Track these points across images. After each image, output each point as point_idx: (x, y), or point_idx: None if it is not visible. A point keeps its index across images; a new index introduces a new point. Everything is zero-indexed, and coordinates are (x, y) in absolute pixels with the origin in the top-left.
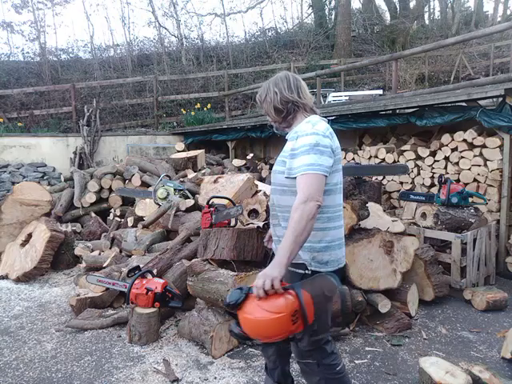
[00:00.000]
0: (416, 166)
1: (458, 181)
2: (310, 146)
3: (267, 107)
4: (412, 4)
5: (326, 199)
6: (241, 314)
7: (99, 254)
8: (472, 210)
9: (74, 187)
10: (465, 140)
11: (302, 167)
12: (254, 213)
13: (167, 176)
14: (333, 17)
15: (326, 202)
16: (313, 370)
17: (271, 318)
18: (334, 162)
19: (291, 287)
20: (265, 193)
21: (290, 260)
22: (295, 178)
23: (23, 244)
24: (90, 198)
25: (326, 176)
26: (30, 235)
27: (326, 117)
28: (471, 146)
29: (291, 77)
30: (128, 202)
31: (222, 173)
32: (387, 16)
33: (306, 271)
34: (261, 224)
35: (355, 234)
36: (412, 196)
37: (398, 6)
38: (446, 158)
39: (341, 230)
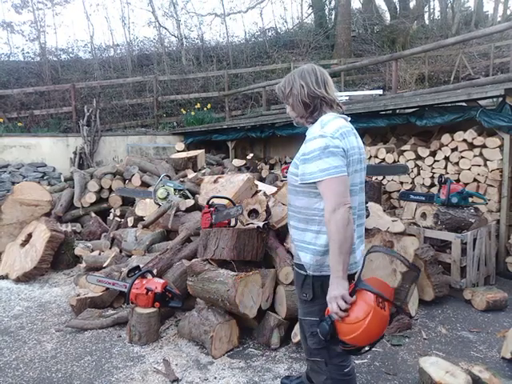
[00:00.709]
0: (416, 165)
1: (457, 181)
2: (319, 149)
3: (293, 101)
4: (412, 4)
5: None
6: (344, 338)
7: (99, 254)
8: (472, 210)
9: (74, 187)
10: (465, 140)
11: (317, 173)
12: (254, 213)
13: (167, 176)
14: (333, 17)
15: None
16: (321, 368)
17: (366, 324)
18: (347, 164)
19: (355, 288)
20: (265, 193)
21: (344, 271)
22: (309, 183)
23: (23, 244)
24: (90, 197)
25: (346, 175)
26: (30, 235)
27: None
28: (471, 146)
29: (318, 70)
30: (128, 202)
31: (222, 173)
32: (387, 16)
33: (308, 272)
34: (261, 224)
35: None
36: (412, 196)
37: (397, 6)
38: (446, 158)
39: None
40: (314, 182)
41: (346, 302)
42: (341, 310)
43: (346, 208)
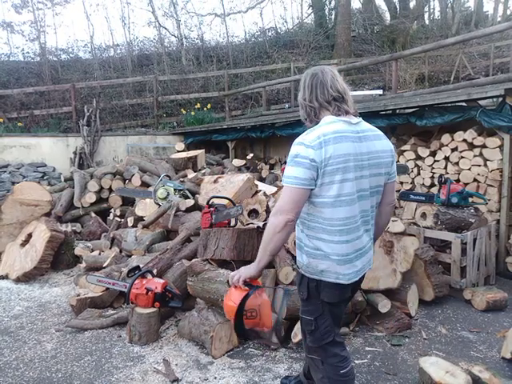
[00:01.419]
0: (416, 165)
1: (457, 181)
2: (291, 156)
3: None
4: (412, 4)
5: (322, 211)
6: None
7: (99, 254)
8: (472, 210)
9: (74, 187)
10: (465, 140)
11: (283, 178)
12: (253, 213)
13: (167, 176)
14: (333, 17)
15: (323, 214)
16: (317, 366)
17: (226, 303)
18: (323, 174)
19: (253, 288)
20: (265, 193)
21: (260, 265)
22: None
23: (23, 244)
24: (90, 197)
25: (306, 188)
26: (30, 235)
27: None
28: (471, 146)
29: (308, 76)
30: (128, 202)
31: (222, 173)
32: (387, 16)
33: (301, 271)
34: (261, 224)
35: None
36: (412, 196)
37: (397, 6)
38: (446, 158)
39: (344, 246)
40: None
41: (239, 282)
42: (232, 281)
43: (285, 218)
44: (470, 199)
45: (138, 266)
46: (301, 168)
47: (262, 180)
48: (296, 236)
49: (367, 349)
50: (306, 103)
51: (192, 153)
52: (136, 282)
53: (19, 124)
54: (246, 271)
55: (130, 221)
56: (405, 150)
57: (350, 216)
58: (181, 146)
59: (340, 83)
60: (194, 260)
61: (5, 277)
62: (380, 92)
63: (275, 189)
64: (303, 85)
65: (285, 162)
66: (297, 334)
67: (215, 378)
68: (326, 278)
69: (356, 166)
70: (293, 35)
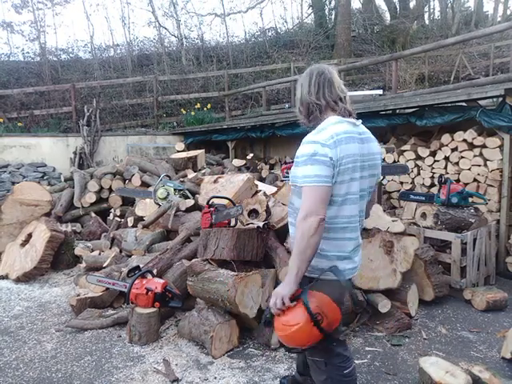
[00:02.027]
0: (416, 166)
1: (457, 181)
2: (307, 155)
3: (297, 104)
4: (412, 4)
5: (327, 209)
6: (276, 332)
7: (99, 253)
8: (472, 210)
9: (74, 187)
10: (465, 140)
11: (301, 178)
12: (254, 213)
13: (167, 176)
14: (333, 17)
15: (328, 212)
16: (320, 368)
17: (291, 331)
18: (338, 173)
19: (299, 295)
20: (265, 193)
21: (298, 277)
22: (298, 186)
23: (23, 244)
24: (90, 198)
25: (329, 186)
26: (30, 235)
27: None
28: (471, 146)
29: (315, 73)
30: (128, 202)
31: (222, 173)
32: (387, 16)
33: None
34: (261, 224)
35: None
36: (412, 196)
37: (397, 6)
38: (446, 158)
39: (346, 243)
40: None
41: (284, 303)
42: (277, 307)
43: (317, 219)
44: (470, 199)
45: (138, 266)
46: (321, 166)
47: (262, 180)
48: (294, 236)
49: (367, 349)
50: (312, 99)
51: (192, 153)
52: (136, 282)
53: (19, 124)
54: (285, 290)
55: (130, 221)
56: (405, 150)
57: (354, 214)
58: (181, 146)
59: (341, 84)
60: (194, 260)
61: (5, 277)
62: (380, 92)
63: (275, 189)
64: (309, 81)
65: (285, 162)
66: None
67: (215, 377)
68: (326, 276)
69: (360, 167)
70: (293, 35)
